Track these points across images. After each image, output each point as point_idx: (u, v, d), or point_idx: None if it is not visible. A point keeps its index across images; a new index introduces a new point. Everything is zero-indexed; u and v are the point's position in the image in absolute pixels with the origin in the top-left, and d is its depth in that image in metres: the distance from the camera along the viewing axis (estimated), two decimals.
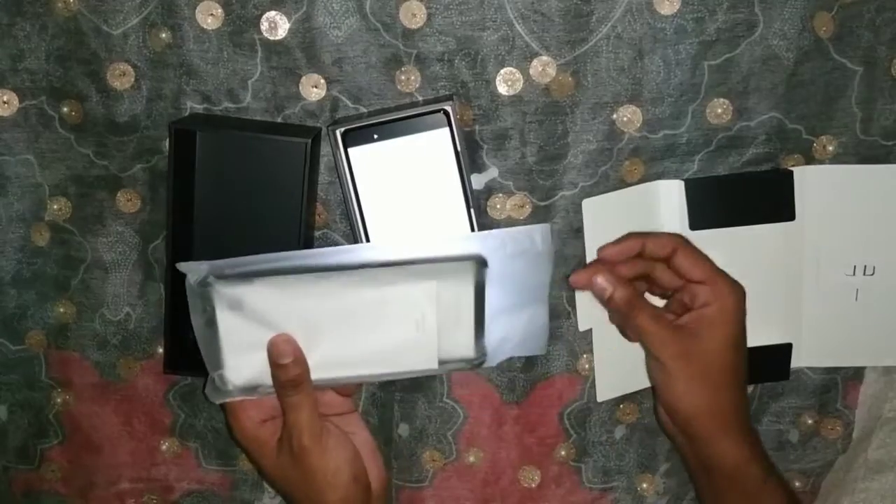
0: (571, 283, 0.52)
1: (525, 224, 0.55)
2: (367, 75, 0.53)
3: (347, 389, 0.51)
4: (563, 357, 0.58)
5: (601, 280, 0.50)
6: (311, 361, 0.47)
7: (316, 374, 0.47)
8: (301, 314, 0.46)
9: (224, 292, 0.45)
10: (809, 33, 0.53)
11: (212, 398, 0.48)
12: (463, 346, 0.48)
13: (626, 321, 0.51)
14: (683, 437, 0.53)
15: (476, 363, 0.50)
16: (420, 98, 0.53)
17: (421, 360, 0.48)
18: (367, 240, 0.52)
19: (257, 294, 0.46)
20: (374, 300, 0.47)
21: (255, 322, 0.46)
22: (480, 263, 0.47)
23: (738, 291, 0.51)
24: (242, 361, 0.46)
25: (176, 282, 0.54)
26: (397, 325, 0.47)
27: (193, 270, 0.46)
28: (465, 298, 0.47)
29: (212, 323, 0.46)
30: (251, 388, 0.47)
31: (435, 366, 0.48)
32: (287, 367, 0.46)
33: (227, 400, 0.48)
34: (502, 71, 0.53)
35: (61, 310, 0.58)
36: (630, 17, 0.52)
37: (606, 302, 0.51)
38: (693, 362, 0.50)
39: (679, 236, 0.52)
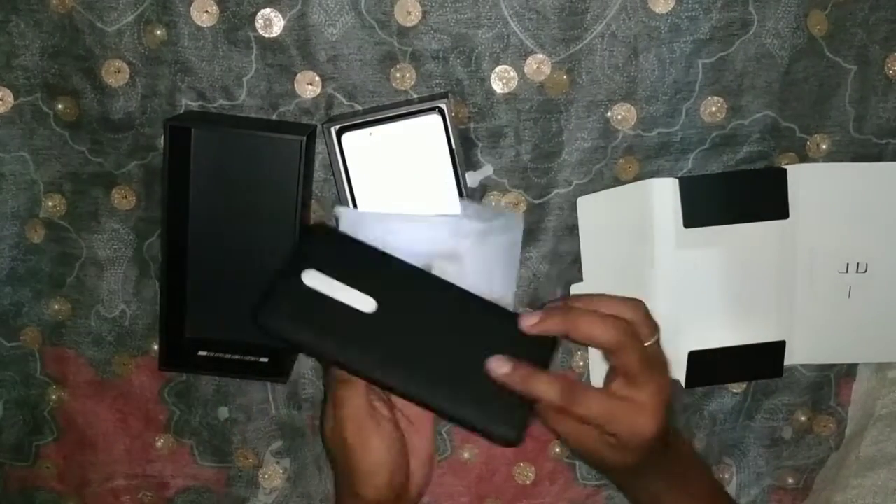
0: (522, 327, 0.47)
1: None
2: (363, 73, 0.53)
3: None
4: (557, 354, 0.58)
5: (539, 385, 0.45)
6: None
7: None
8: None
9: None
10: (803, 32, 0.53)
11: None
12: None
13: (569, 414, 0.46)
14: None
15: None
16: (415, 95, 0.53)
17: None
18: None
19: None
20: None
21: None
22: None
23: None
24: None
25: (171, 279, 0.54)
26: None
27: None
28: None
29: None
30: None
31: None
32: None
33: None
34: (497, 69, 0.53)
35: (56, 307, 0.58)
36: (625, 15, 0.52)
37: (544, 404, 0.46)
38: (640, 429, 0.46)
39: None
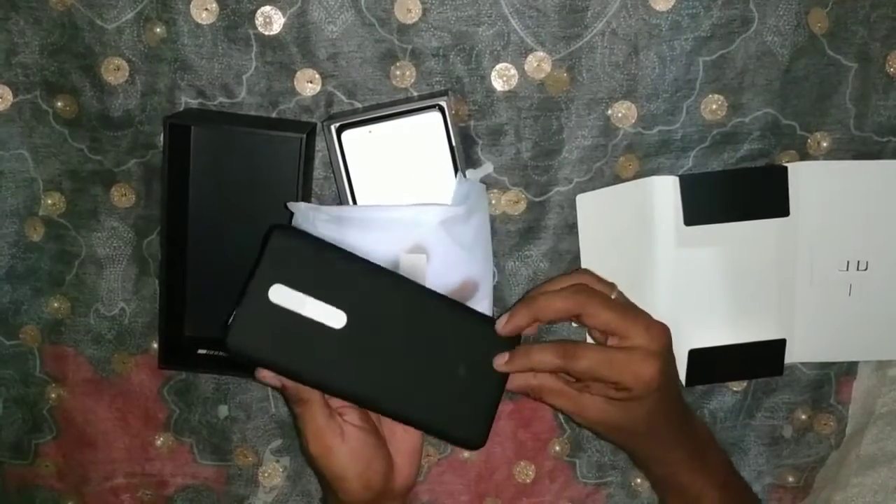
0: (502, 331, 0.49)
1: (521, 218, 0.55)
2: (362, 70, 0.53)
3: None
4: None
5: (537, 356, 0.48)
6: None
7: None
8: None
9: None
10: (804, 29, 0.53)
11: None
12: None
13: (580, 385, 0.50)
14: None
15: None
16: (415, 93, 0.53)
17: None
18: None
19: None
20: None
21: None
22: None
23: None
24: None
25: (170, 277, 0.54)
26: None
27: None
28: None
29: None
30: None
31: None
32: (292, 387, 0.47)
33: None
34: (497, 66, 0.53)
35: (55, 305, 0.58)
36: (625, 12, 0.52)
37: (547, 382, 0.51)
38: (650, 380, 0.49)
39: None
